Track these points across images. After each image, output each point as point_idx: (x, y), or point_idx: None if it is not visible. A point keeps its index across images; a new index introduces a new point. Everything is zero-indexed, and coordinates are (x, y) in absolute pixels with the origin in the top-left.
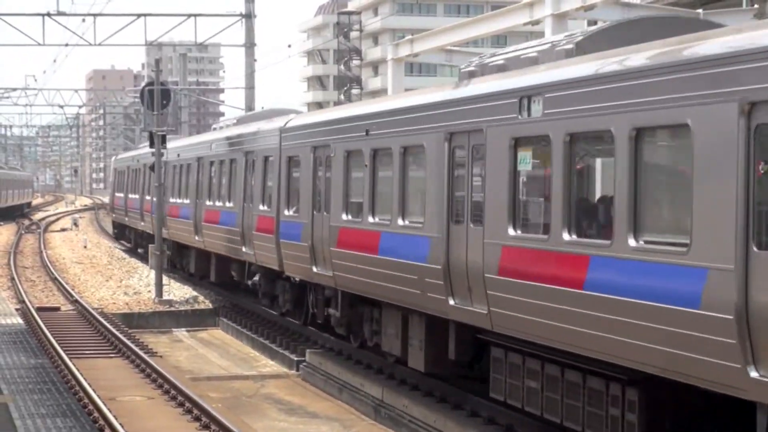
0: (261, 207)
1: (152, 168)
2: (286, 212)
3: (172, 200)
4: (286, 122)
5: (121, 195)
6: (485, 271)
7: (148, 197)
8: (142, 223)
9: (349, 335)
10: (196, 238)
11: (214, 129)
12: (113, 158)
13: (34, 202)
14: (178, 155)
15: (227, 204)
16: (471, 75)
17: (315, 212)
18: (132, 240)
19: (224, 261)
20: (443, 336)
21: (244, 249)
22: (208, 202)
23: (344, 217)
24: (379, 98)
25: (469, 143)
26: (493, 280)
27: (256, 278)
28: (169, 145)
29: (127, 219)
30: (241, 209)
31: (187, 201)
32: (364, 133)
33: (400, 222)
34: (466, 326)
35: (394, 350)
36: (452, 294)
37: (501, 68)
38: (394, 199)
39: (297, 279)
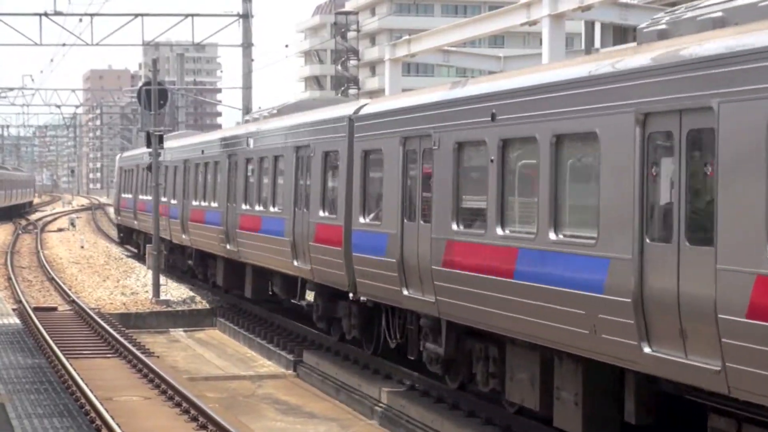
0: (321, 213)
1: (148, 168)
2: (361, 220)
3: (194, 203)
4: (358, 108)
5: (129, 196)
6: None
7: (165, 199)
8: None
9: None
10: (228, 246)
11: (248, 121)
12: (118, 156)
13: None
14: (203, 152)
15: (271, 209)
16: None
17: (406, 221)
18: (141, 246)
19: (263, 275)
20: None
21: (295, 263)
22: (244, 206)
23: (455, 227)
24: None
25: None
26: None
27: (310, 298)
28: (190, 140)
29: (136, 223)
30: (292, 215)
31: (214, 205)
32: (489, 119)
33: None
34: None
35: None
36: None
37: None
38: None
39: (369, 301)
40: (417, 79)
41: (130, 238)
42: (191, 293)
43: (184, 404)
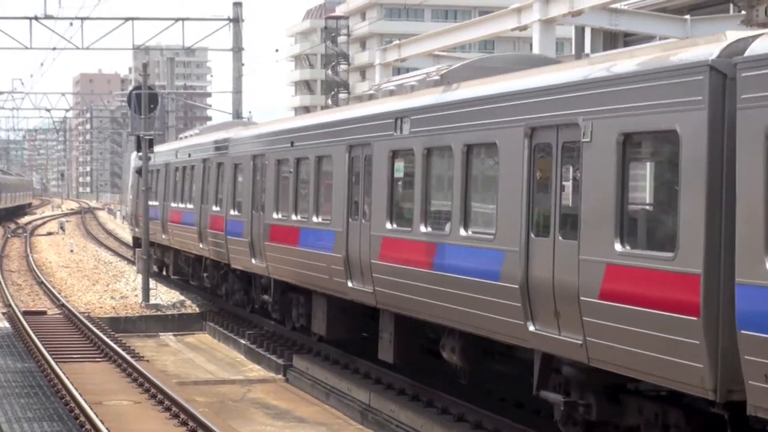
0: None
1: (175, 169)
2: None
3: (265, 214)
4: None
5: (155, 204)
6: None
7: (216, 208)
8: (201, 246)
9: None
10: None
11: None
12: (134, 155)
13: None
14: (266, 152)
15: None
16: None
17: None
18: (169, 267)
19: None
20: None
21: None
22: (294, 217)
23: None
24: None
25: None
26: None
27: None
28: (228, 134)
29: (165, 237)
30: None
31: (290, 216)
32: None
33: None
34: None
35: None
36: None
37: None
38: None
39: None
40: None
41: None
42: (181, 297)
43: (174, 409)
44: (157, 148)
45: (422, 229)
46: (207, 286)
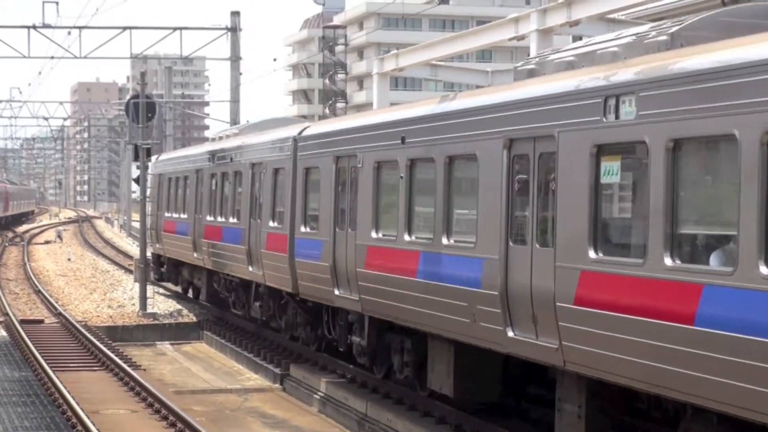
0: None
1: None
2: (302, 229)
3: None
4: (302, 130)
5: (181, 216)
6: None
7: (275, 224)
8: (251, 269)
9: None
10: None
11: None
12: (154, 159)
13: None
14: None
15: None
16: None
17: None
18: (202, 290)
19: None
20: None
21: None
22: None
23: (374, 235)
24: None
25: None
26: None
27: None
28: (293, 130)
29: (196, 255)
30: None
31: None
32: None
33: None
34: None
35: None
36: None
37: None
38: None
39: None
40: (405, 93)
41: (178, 276)
42: (178, 306)
43: (171, 417)
44: (181, 152)
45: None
46: (258, 318)
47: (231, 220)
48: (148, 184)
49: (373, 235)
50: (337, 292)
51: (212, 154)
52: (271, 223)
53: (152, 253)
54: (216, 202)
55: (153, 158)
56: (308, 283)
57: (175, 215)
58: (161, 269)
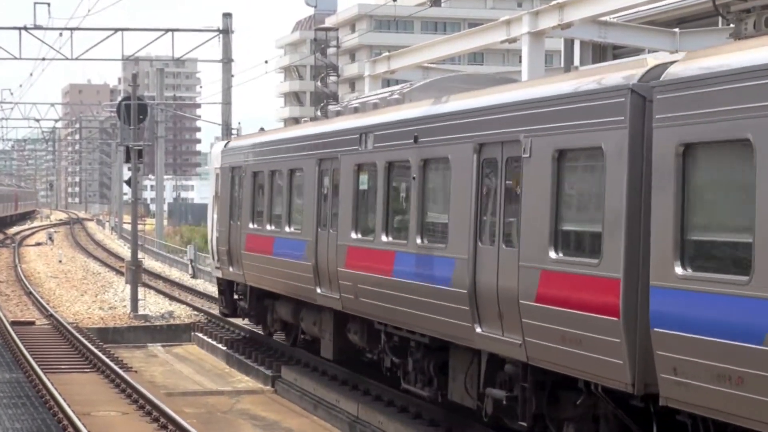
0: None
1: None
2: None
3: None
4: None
5: (295, 231)
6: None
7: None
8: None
9: None
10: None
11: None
12: (224, 144)
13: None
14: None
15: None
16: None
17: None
18: (326, 342)
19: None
20: None
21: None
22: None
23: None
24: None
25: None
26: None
27: None
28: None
29: (326, 293)
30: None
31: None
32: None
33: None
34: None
35: None
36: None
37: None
38: None
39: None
40: None
41: (262, 311)
42: (169, 308)
43: (162, 419)
44: (282, 132)
45: (268, 227)
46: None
47: (431, 243)
48: (212, 181)
49: None
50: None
51: (365, 132)
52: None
53: (220, 279)
54: (381, 212)
55: (216, 145)
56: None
57: (271, 228)
58: (237, 302)
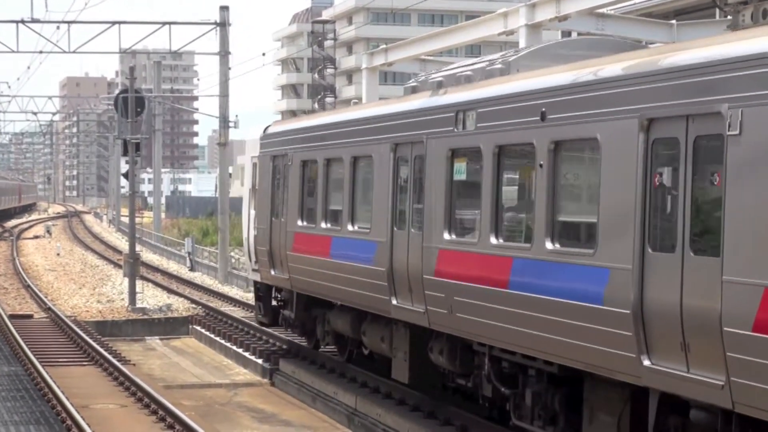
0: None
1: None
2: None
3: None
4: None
5: (362, 231)
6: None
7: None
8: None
9: None
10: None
11: None
12: (263, 130)
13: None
14: None
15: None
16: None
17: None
18: (398, 362)
19: None
20: None
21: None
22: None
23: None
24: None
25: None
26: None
27: None
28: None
29: (404, 304)
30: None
31: None
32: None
33: None
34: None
35: None
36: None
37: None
38: None
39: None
40: (394, 88)
41: (310, 321)
42: (167, 301)
43: (160, 412)
44: (338, 114)
45: (323, 225)
46: None
47: (567, 248)
48: (248, 171)
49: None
50: None
51: (463, 109)
52: None
53: (258, 284)
54: (488, 208)
55: (252, 131)
56: None
57: (327, 227)
58: (278, 309)
